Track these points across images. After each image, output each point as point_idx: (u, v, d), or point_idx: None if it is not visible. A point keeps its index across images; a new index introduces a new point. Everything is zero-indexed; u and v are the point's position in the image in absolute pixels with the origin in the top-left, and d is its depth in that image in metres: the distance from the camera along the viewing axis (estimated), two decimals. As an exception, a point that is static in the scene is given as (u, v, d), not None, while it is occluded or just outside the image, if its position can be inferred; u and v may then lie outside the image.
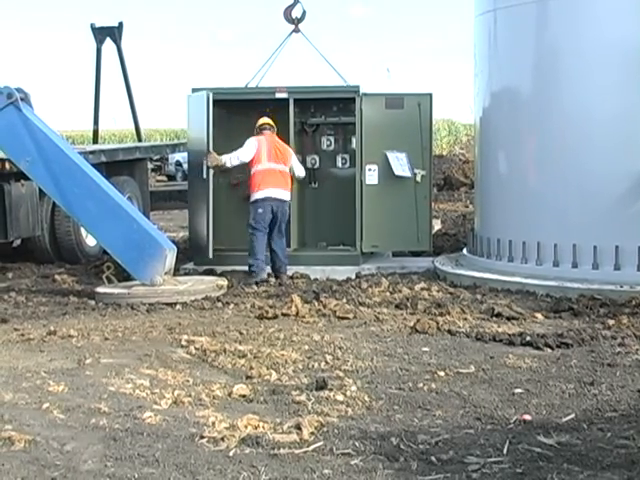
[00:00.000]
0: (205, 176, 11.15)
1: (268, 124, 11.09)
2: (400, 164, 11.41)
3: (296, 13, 12.09)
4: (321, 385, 6.01)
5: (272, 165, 10.87)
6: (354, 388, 6.03)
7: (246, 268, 10.99)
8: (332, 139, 12.20)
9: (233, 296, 9.74)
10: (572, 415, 5.43)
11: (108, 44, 16.88)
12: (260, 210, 10.75)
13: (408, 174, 11.44)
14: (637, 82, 9.43)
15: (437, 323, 8.00)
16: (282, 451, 4.82)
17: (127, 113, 17.56)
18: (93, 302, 9.46)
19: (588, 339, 7.40)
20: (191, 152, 11.90)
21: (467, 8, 11.86)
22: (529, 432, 5.11)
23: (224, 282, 10.05)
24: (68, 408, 5.62)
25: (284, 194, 10.91)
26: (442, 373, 6.45)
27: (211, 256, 11.17)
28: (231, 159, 10.91)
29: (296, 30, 12.07)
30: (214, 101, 11.26)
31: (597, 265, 9.70)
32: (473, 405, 5.68)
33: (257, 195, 10.80)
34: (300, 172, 11.30)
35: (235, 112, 11.98)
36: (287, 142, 11.35)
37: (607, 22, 9.81)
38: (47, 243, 12.48)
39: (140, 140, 17.93)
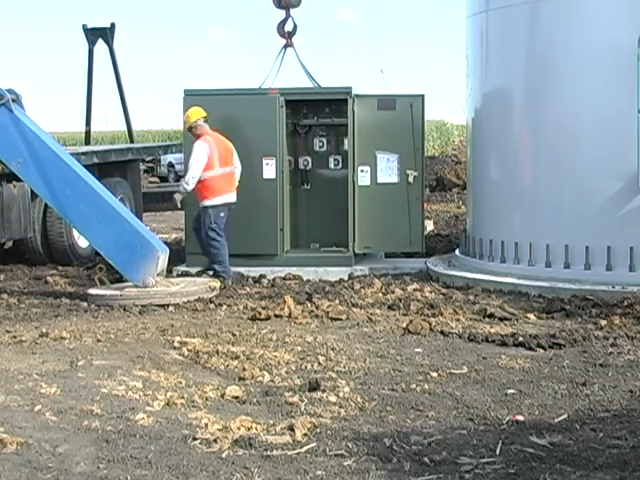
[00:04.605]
0: (274, 176, 11.25)
1: (206, 117, 10.91)
2: (389, 167, 11.42)
3: (288, 27, 12.11)
4: (314, 386, 6.01)
5: (224, 170, 10.84)
6: (347, 389, 6.03)
7: (239, 269, 11.01)
8: (324, 140, 12.20)
9: (226, 297, 9.74)
10: (565, 415, 5.44)
11: (100, 45, 16.85)
12: (222, 214, 10.76)
13: (394, 180, 11.45)
14: (629, 83, 9.44)
15: (430, 324, 8.00)
16: (275, 452, 4.82)
17: (119, 114, 17.55)
18: (85, 304, 9.44)
19: (580, 340, 7.41)
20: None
21: (459, 9, 11.89)
22: (522, 432, 5.12)
23: (217, 283, 10.05)
24: (60, 410, 5.61)
25: (235, 196, 10.97)
26: (435, 374, 6.46)
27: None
28: (190, 182, 10.68)
29: (288, 45, 12.09)
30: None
31: (589, 266, 9.71)
32: (466, 406, 5.68)
33: (217, 200, 10.74)
34: (239, 169, 11.11)
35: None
36: (279, 144, 11.35)
37: (598, 23, 9.83)
38: (39, 245, 12.45)
39: (132, 141, 17.90)
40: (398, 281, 10.48)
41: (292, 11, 12.09)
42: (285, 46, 12.05)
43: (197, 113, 10.88)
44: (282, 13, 12.10)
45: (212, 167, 10.70)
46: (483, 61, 11.13)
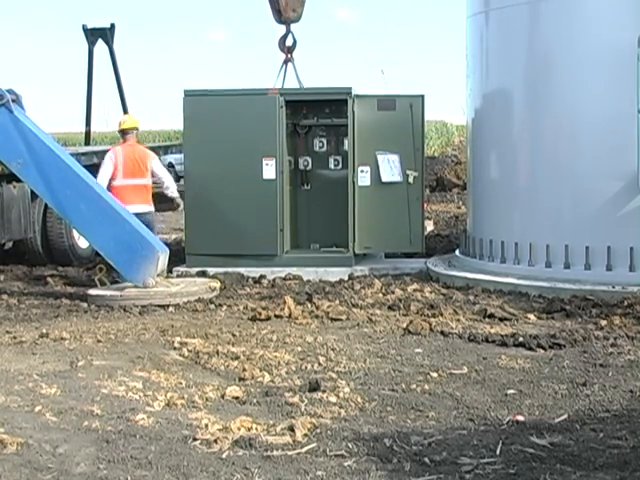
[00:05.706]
0: (274, 176, 11.25)
1: (131, 128, 11.14)
2: (390, 167, 11.42)
3: (288, 43, 12.12)
4: (314, 387, 6.01)
5: (127, 181, 10.93)
6: (347, 389, 6.03)
7: (239, 270, 11.02)
8: (324, 141, 12.21)
9: (226, 298, 9.74)
10: (565, 416, 5.44)
11: (100, 45, 16.86)
12: None
13: (398, 179, 11.45)
14: (629, 83, 9.44)
15: (430, 324, 8.00)
16: (275, 453, 4.82)
17: (119, 114, 17.55)
18: (85, 304, 9.45)
19: (580, 340, 7.42)
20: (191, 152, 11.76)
21: (459, 9, 11.89)
22: (522, 433, 5.11)
23: (217, 284, 10.05)
24: (60, 411, 5.61)
25: (141, 207, 10.90)
26: (435, 374, 6.46)
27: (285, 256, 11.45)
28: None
29: (288, 60, 12.10)
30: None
31: (589, 266, 9.72)
32: (466, 406, 5.68)
33: None
34: (170, 185, 11.27)
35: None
36: (279, 144, 11.35)
37: (598, 23, 9.84)
38: (39, 245, 12.46)
39: (132, 142, 17.88)
40: (398, 281, 10.49)
41: (292, 26, 12.11)
42: (285, 61, 12.07)
43: (133, 123, 11.22)
44: (282, 28, 12.11)
45: (115, 177, 10.90)
46: (483, 61, 11.13)
